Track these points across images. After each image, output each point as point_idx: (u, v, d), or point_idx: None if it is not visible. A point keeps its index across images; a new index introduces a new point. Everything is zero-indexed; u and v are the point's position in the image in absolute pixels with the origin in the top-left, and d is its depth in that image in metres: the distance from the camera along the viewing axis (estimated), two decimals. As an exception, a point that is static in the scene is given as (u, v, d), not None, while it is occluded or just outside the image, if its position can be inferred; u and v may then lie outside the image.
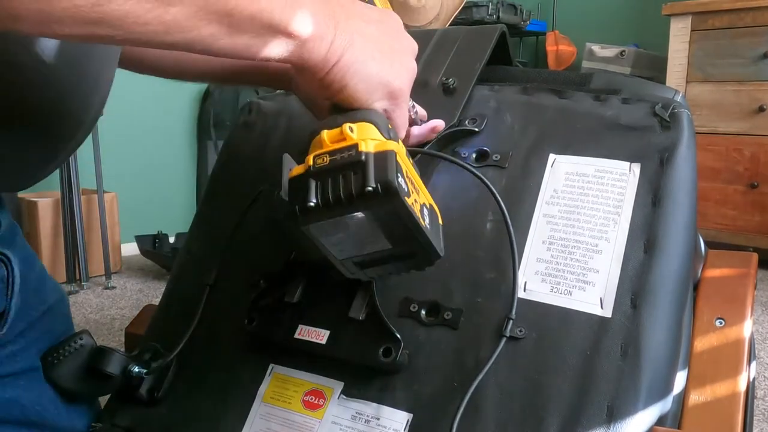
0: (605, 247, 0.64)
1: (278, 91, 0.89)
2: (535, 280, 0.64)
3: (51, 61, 0.54)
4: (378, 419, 0.62)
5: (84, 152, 2.26)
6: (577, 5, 3.39)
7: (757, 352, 1.56)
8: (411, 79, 0.56)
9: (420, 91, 0.79)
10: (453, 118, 0.74)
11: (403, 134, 0.56)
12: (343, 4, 0.52)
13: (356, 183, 0.48)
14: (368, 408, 0.63)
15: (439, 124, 0.72)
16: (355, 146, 0.49)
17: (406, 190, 0.49)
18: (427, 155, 0.72)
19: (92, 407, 0.73)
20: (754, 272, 0.82)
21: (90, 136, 2.22)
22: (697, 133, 0.71)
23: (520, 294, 0.63)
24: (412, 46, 0.57)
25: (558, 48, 3.27)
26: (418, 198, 0.53)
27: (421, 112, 0.71)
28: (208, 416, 0.69)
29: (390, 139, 0.51)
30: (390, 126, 0.52)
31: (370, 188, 0.48)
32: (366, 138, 0.50)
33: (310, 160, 0.50)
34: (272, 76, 0.78)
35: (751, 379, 0.73)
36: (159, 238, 2.39)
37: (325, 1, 0.50)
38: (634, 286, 0.62)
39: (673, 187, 0.65)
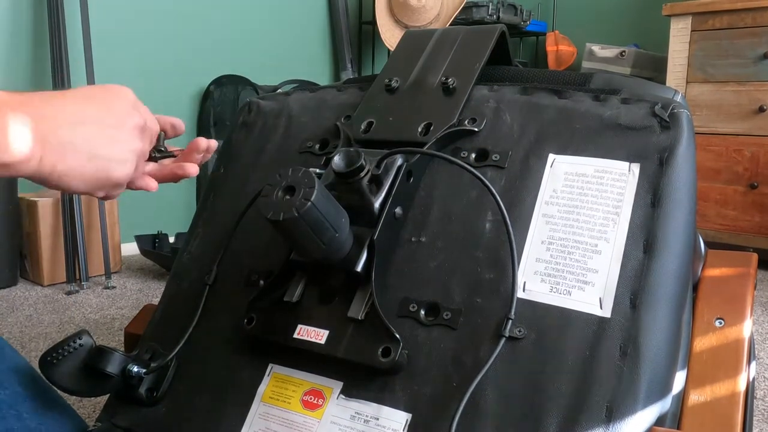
0: (604, 247, 0.64)
1: (278, 90, 0.89)
2: (534, 280, 0.64)
3: None
4: (377, 419, 0.62)
5: (84, 152, 2.26)
6: (578, 6, 3.39)
7: (756, 352, 1.56)
8: (135, 159, 0.57)
9: (419, 90, 0.79)
10: (452, 117, 0.74)
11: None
12: (49, 114, 0.51)
13: None
14: (367, 408, 0.63)
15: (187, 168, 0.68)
16: None
17: None
18: (426, 155, 0.72)
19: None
20: (754, 272, 0.82)
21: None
22: (697, 133, 0.71)
23: (520, 294, 0.63)
24: (137, 123, 0.57)
25: (558, 48, 3.27)
26: None
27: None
28: (208, 416, 0.69)
29: None
30: None
31: None
32: None
33: None
34: None
35: (750, 379, 0.73)
36: (159, 238, 2.38)
37: (29, 115, 0.49)
38: (634, 286, 0.62)
39: (672, 187, 0.65)
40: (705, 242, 0.87)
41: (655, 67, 2.81)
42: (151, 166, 0.67)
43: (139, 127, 0.57)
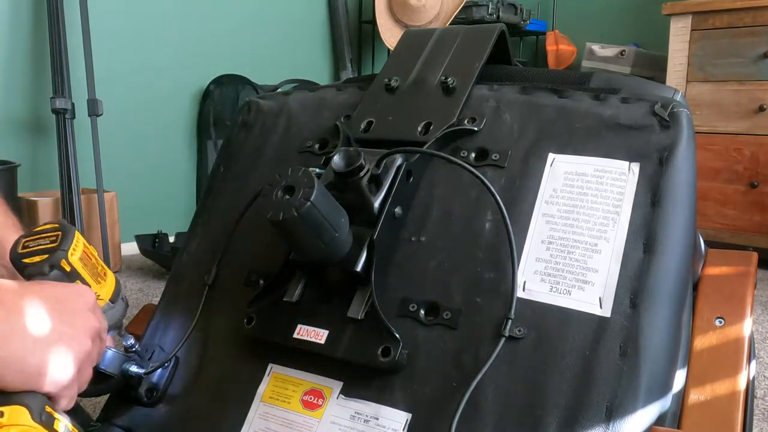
0: (604, 246, 0.64)
1: (278, 90, 0.89)
2: (534, 280, 0.64)
3: None
4: (377, 419, 0.62)
5: (84, 151, 2.25)
6: (578, 5, 3.38)
7: (756, 351, 1.56)
8: (80, 361, 0.54)
9: (419, 90, 0.79)
10: (452, 117, 0.74)
11: (72, 402, 0.55)
12: (5, 300, 0.51)
13: None
14: (367, 408, 0.63)
15: None
16: None
17: None
18: (426, 155, 0.72)
19: None
20: (754, 271, 0.82)
21: (90, 135, 2.22)
22: (697, 132, 0.70)
23: (520, 294, 0.63)
24: (91, 326, 0.56)
25: (558, 47, 3.27)
26: None
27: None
28: (207, 416, 0.69)
29: (41, 422, 0.51)
30: (47, 408, 0.51)
31: None
32: (13, 424, 0.49)
33: None
34: None
35: (750, 379, 0.73)
36: (159, 238, 2.38)
37: None
38: (634, 285, 0.62)
39: (672, 186, 0.65)
40: (705, 241, 0.87)
41: (655, 67, 2.81)
42: None
43: (92, 329, 0.56)
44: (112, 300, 0.68)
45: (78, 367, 0.54)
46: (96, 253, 0.66)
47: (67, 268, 0.61)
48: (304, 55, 3.09)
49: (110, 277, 0.68)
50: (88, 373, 0.57)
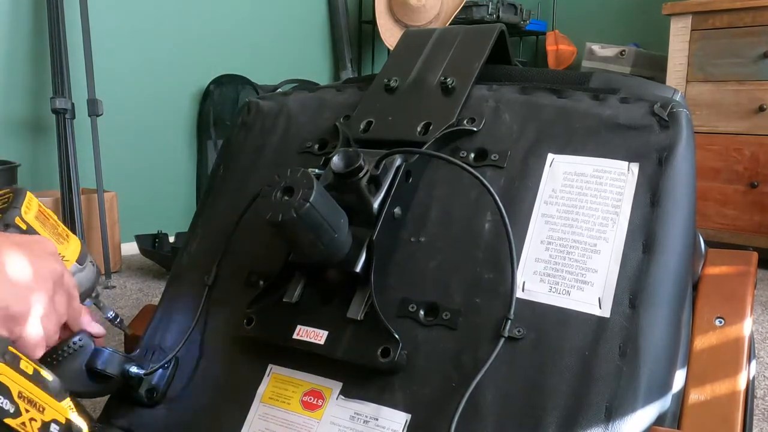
0: (604, 247, 0.64)
1: (278, 90, 0.89)
2: (533, 280, 0.64)
3: None
4: (377, 419, 0.62)
5: (84, 151, 2.25)
6: (578, 5, 3.38)
7: (756, 351, 1.56)
8: (44, 301, 0.54)
9: (419, 90, 0.79)
10: (451, 117, 0.74)
11: (38, 350, 0.56)
12: None
13: None
14: (367, 408, 0.63)
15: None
16: None
17: (10, 411, 0.49)
18: (425, 155, 0.72)
19: None
20: (754, 271, 0.82)
21: (90, 135, 2.22)
22: (697, 132, 0.70)
23: (519, 294, 0.63)
24: (52, 269, 0.56)
25: (558, 47, 3.27)
26: (38, 416, 0.52)
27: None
28: (207, 417, 0.69)
29: (5, 361, 0.50)
30: (10, 348, 0.51)
31: None
32: None
33: None
34: None
35: (750, 378, 0.73)
36: (159, 238, 2.38)
37: None
38: (633, 286, 0.62)
39: (671, 186, 0.65)
40: (705, 241, 0.87)
41: (655, 67, 2.81)
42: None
43: (51, 272, 0.55)
44: (80, 262, 0.66)
45: (39, 305, 0.53)
46: (55, 216, 0.65)
47: (23, 226, 0.60)
48: (304, 55, 3.09)
49: (73, 239, 0.66)
50: (55, 319, 0.56)
